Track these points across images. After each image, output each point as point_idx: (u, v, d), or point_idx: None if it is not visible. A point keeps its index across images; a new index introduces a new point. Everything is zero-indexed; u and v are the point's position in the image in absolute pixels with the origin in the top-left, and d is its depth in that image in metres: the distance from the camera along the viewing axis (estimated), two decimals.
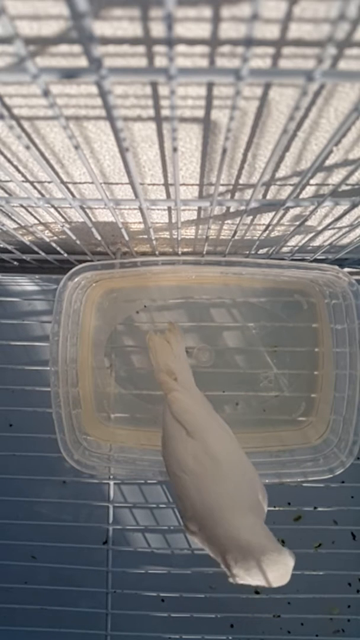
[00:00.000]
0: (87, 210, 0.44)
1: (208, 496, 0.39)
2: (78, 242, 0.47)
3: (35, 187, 0.38)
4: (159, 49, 0.22)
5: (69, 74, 0.18)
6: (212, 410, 0.47)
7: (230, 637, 0.60)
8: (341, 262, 0.58)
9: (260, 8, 0.20)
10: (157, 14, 0.20)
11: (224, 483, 0.40)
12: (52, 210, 0.42)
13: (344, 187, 0.36)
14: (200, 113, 0.28)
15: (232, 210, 0.43)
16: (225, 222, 0.47)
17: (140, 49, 0.22)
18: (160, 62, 0.23)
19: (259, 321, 0.60)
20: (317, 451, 0.54)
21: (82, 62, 0.23)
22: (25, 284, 0.61)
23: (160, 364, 0.49)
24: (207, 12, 0.20)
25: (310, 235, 0.48)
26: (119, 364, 0.59)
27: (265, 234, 0.47)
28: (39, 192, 0.39)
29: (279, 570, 0.35)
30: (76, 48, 0.22)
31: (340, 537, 0.62)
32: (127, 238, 0.45)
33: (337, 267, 0.49)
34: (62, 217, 0.45)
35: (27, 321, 0.61)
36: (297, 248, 0.54)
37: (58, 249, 0.51)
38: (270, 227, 0.45)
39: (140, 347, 0.59)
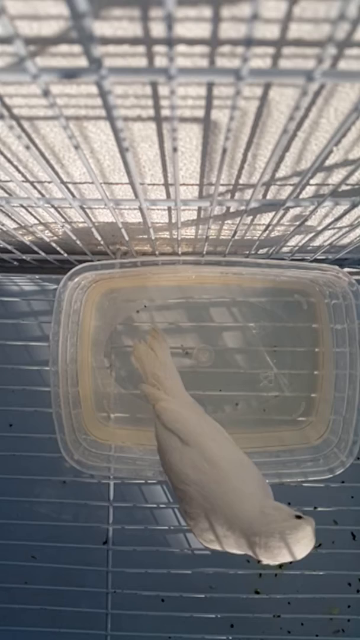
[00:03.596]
0: (87, 211, 0.44)
1: (216, 500, 0.39)
2: (78, 242, 0.47)
3: (35, 187, 0.38)
4: (159, 49, 0.22)
5: (69, 74, 0.18)
6: (202, 413, 0.47)
7: (230, 637, 0.60)
8: (341, 262, 0.58)
9: (260, 8, 0.20)
10: (157, 14, 0.20)
11: (228, 482, 0.40)
12: (52, 210, 0.42)
13: (344, 187, 0.36)
14: (200, 113, 0.28)
15: (232, 210, 0.43)
16: (225, 222, 0.47)
17: (140, 49, 0.22)
18: (160, 62, 0.23)
19: (259, 321, 0.60)
20: (317, 451, 0.54)
21: (82, 62, 0.23)
22: (25, 284, 0.61)
23: (147, 373, 0.48)
24: (207, 12, 0.20)
25: (310, 235, 0.48)
26: (119, 364, 0.59)
27: (265, 234, 0.47)
28: (39, 192, 0.39)
29: (302, 540, 0.37)
30: (76, 48, 0.22)
31: (340, 537, 0.62)
32: (127, 238, 0.45)
33: (337, 267, 0.49)
34: (62, 217, 0.45)
35: (27, 321, 0.61)
36: (297, 248, 0.54)
37: (58, 249, 0.51)
38: (270, 227, 0.45)
39: None
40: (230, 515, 0.39)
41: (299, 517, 0.38)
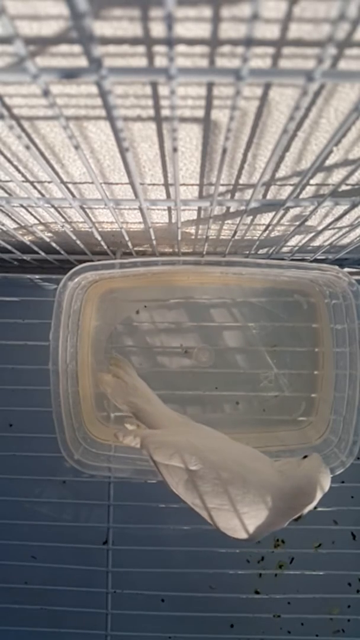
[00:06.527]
0: (87, 210, 0.44)
1: (243, 497, 0.39)
2: (78, 242, 0.47)
3: (35, 187, 0.38)
4: (159, 49, 0.22)
5: (69, 74, 0.18)
6: (189, 423, 0.46)
7: (230, 637, 0.60)
8: (341, 262, 0.58)
9: (260, 8, 0.20)
10: (157, 14, 0.20)
11: (245, 477, 0.40)
12: (52, 210, 0.42)
13: (344, 187, 0.36)
14: (200, 113, 0.28)
15: (232, 210, 0.43)
16: (225, 222, 0.47)
17: (140, 49, 0.22)
18: (160, 62, 0.23)
19: (259, 321, 0.60)
20: (317, 451, 0.54)
21: (82, 62, 0.23)
22: (25, 284, 0.61)
23: (121, 403, 0.47)
24: (207, 12, 0.20)
25: (310, 235, 0.48)
26: None
27: (265, 234, 0.47)
28: (39, 192, 0.39)
29: (320, 468, 0.41)
30: (76, 48, 0.22)
31: (340, 537, 0.62)
32: (127, 238, 0.45)
33: (337, 267, 0.49)
34: (62, 217, 0.45)
35: (27, 321, 0.61)
36: (297, 248, 0.54)
37: (58, 248, 0.51)
38: (270, 227, 0.45)
39: (140, 347, 0.59)
40: (259, 495, 0.39)
41: (305, 457, 0.42)
